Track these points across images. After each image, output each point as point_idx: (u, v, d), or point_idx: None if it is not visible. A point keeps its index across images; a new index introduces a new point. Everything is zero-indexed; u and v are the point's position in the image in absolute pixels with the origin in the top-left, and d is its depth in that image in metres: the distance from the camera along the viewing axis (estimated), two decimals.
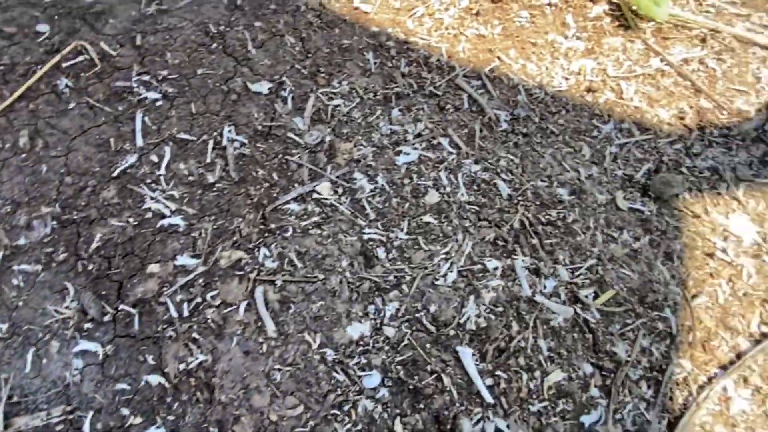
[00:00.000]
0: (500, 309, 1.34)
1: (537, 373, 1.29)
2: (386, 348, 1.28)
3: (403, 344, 1.28)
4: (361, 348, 1.27)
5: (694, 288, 1.45)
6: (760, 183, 1.66)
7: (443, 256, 1.39)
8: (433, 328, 1.29)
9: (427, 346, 1.27)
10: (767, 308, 1.42)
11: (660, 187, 1.57)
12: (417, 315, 1.31)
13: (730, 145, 1.74)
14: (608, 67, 1.87)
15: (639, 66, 1.90)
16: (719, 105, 1.81)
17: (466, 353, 1.24)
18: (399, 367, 1.26)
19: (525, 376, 1.27)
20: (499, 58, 1.87)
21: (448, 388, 1.22)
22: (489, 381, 1.24)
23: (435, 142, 1.63)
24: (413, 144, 1.62)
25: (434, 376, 1.24)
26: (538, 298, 1.38)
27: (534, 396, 1.26)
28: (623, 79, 1.85)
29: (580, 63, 1.87)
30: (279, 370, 1.21)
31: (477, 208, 1.51)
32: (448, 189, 1.53)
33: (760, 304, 1.44)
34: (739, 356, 1.36)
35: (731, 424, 1.31)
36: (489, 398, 1.22)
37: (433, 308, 1.31)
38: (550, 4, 2.05)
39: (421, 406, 1.21)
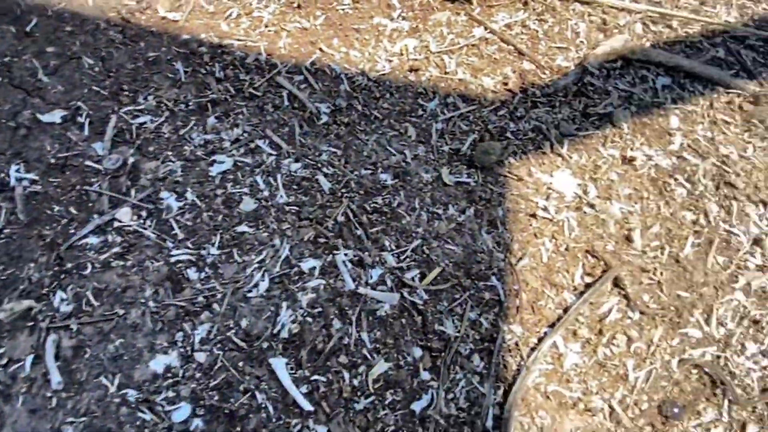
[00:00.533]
0: (318, 310, 1.28)
1: (361, 369, 1.25)
2: (197, 375, 1.20)
3: (216, 368, 1.21)
4: (169, 381, 1.18)
5: (519, 251, 1.45)
6: (582, 136, 1.69)
7: (257, 265, 1.33)
8: (245, 345, 1.22)
9: (240, 364, 1.20)
10: (589, 259, 1.45)
11: (481, 157, 1.57)
12: (228, 334, 1.24)
13: (554, 103, 1.77)
14: (431, 44, 1.86)
15: (462, 38, 1.90)
16: (541, 65, 1.83)
17: (279, 364, 1.18)
18: (213, 393, 1.18)
19: (347, 375, 1.23)
20: (321, 49, 1.82)
21: (263, 405, 1.16)
22: (305, 388, 1.19)
23: (253, 145, 1.56)
24: (229, 151, 1.54)
25: (248, 395, 1.17)
26: (362, 289, 1.34)
27: (359, 393, 1.23)
28: (446, 54, 1.85)
29: (402, 43, 1.85)
30: (72, 423, 1.11)
31: (297, 208, 1.45)
32: (266, 193, 1.47)
33: (582, 256, 1.46)
34: (565, 311, 1.39)
35: (566, 380, 1.32)
36: (307, 406, 1.16)
37: (244, 323, 1.24)
38: None
39: (238, 429, 1.15)
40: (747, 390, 1.31)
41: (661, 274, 1.42)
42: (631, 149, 1.64)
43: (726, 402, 1.29)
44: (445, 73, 1.80)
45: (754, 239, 1.51)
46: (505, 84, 1.78)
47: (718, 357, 1.33)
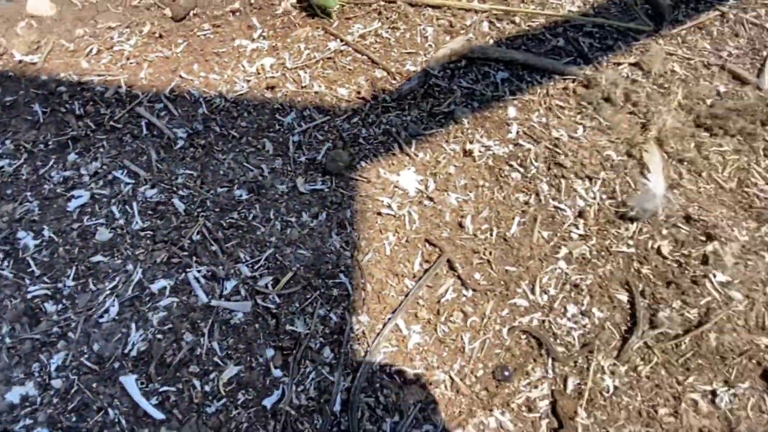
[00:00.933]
0: (169, 326, 1.38)
1: (212, 375, 1.36)
2: (55, 401, 1.27)
3: (72, 391, 1.29)
4: (26, 409, 1.26)
5: (366, 247, 1.58)
6: (428, 135, 1.83)
7: (109, 291, 1.41)
8: (97, 367, 1.31)
9: (94, 385, 1.29)
10: (427, 247, 1.60)
11: (330, 164, 1.69)
12: (82, 359, 1.32)
13: (403, 106, 1.90)
14: (287, 61, 1.96)
15: (318, 52, 2.02)
16: (391, 72, 1.96)
17: (129, 381, 1.27)
18: (69, 415, 1.26)
19: (198, 382, 1.33)
20: (180, 76, 1.90)
21: (116, 420, 1.25)
22: (156, 399, 1.28)
23: (111, 177, 1.63)
24: (88, 185, 1.61)
25: (102, 412, 1.26)
26: (214, 302, 1.44)
27: (210, 398, 1.33)
28: (302, 69, 1.96)
29: (260, 63, 1.95)
30: None
31: (152, 233, 1.54)
32: (122, 221, 1.55)
33: (422, 245, 1.61)
34: (407, 297, 1.52)
35: (409, 359, 1.46)
36: (158, 415, 1.26)
37: (96, 347, 1.33)
38: (233, 12, 2.12)
39: None
40: (568, 347, 1.47)
41: (491, 253, 1.57)
42: (471, 142, 1.79)
43: (550, 360, 1.45)
44: (302, 87, 1.90)
45: (579, 212, 1.69)
46: (359, 93, 1.90)
47: (543, 321, 1.50)
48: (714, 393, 1.40)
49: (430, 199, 1.66)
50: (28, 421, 1.23)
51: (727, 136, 1.93)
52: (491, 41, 2.09)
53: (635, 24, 2.21)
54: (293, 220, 1.60)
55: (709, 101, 2.01)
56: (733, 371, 1.43)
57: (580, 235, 1.64)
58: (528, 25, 2.18)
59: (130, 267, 1.46)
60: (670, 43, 2.16)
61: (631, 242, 1.63)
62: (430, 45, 2.05)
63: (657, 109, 1.93)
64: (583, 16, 2.26)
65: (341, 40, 2.04)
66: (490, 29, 2.15)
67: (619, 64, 2.09)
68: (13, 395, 1.24)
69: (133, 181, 1.63)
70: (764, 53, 2.17)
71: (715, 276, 1.55)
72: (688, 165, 1.83)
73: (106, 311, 1.38)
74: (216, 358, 1.36)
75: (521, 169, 1.76)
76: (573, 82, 2.00)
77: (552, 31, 2.19)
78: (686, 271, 1.57)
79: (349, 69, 1.98)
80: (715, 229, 1.62)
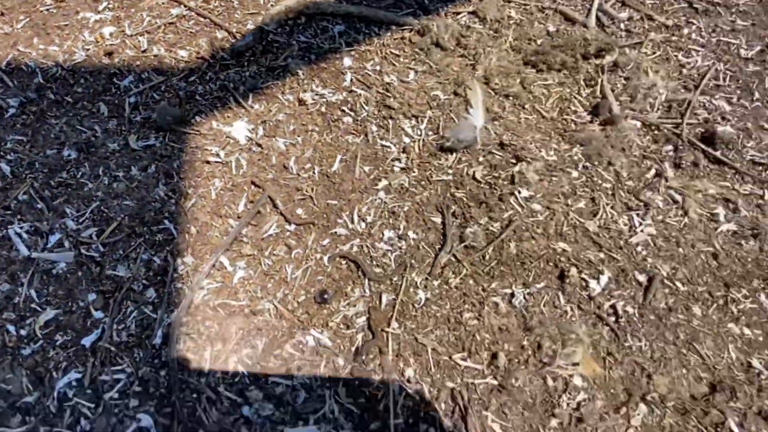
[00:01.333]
0: None
1: (29, 320, 1.41)
2: None
3: None
4: None
5: (192, 194, 1.64)
6: (264, 88, 1.90)
7: None
8: None
9: None
10: (253, 189, 1.68)
11: (160, 120, 1.75)
12: None
13: (243, 63, 1.97)
14: (127, 28, 2.01)
15: (160, 19, 2.06)
16: (232, 32, 2.03)
17: None
18: None
19: (13, 327, 1.38)
20: (18, 49, 1.92)
21: None
22: None
23: None
24: None
25: None
26: (35, 254, 1.49)
27: (26, 341, 1.38)
28: (142, 35, 2.01)
29: (100, 31, 1.99)
30: None
31: None
32: None
33: (247, 188, 1.68)
34: (230, 235, 1.60)
35: (234, 293, 1.54)
36: None
37: None
38: None
39: None
40: (385, 268, 1.57)
41: (313, 189, 1.66)
42: (305, 91, 1.88)
43: (367, 281, 1.55)
44: (141, 52, 1.95)
45: (403, 148, 1.79)
46: (198, 54, 1.96)
47: (361, 247, 1.60)
48: (512, 295, 1.53)
49: (259, 145, 1.74)
50: None
51: (552, 71, 2.06)
52: None
53: None
54: (121, 174, 1.65)
55: (539, 41, 2.15)
56: (531, 274, 1.56)
57: (401, 168, 1.75)
58: None
59: None
60: None
61: (450, 171, 1.75)
62: (271, 4, 2.12)
63: (486, 51, 2.05)
64: None
65: (184, 6, 2.09)
66: None
67: (458, 13, 2.20)
68: None
69: None
70: None
71: (520, 192, 1.68)
72: (513, 99, 1.96)
73: None
74: (33, 305, 1.41)
75: (352, 113, 1.85)
76: (410, 31, 2.11)
77: None
78: (495, 191, 1.69)
79: (191, 32, 2.03)
80: (523, 151, 1.74)
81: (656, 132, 1.88)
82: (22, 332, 1.36)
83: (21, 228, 1.50)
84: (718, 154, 1.82)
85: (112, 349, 1.40)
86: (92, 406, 1.32)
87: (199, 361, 1.41)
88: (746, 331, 1.50)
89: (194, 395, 1.38)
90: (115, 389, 1.36)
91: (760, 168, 1.80)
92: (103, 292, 1.45)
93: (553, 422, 1.36)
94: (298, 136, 1.77)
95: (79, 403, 1.32)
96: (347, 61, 1.96)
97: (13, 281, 1.43)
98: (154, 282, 1.50)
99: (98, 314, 1.43)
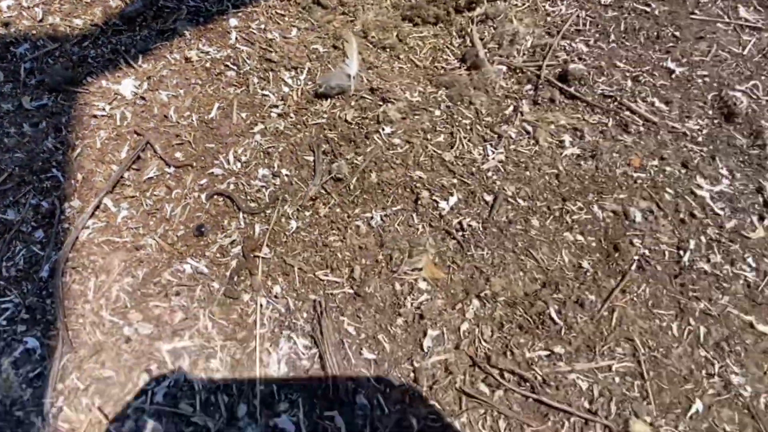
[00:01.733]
0: None
1: None
2: None
3: None
4: None
5: (79, 145, 1.78)
6: (154, 49, 2.03)
7: None
8: None
9: None
10: (135, 137, 1.81)
11: (52, 81, 1.87)
12: None
13: (135, 28, 2.10)
14: (23, 1, 2.12)
15: None
16: (126, 1, 2.16)
17: None
18: None
19: None
20: None
21: None
22: None
23: None
24: None
25: None
26: None
27: None
28: (38, 6, 2.12)
29: None
30: None
31: None
32: None
33: (130, 137, 1.82)
34: (112, 179, 1.74)
35: (117, 231, 1.67)
36: None
37: None
38: None
39: None
40: (259, 202, 1.72)
41: (192, 135, 1.80)
42: (191, 50, 2.01)
43: (242, 215, 1.70)
44: (38, 21, 2.06)
45: (282, 96, 1.94)
46: (92, 21, 2.08)
47: (237, 184, 1.74)
48: (372, 218, 1.69)
49: (143, 98, 1.87)
50: None
51: (428, 24, 2.22)
52: None
53: None
54: (13, 131, 1.78)
55: None
56: (389, 200, 1.72)
57: (278, 114, 1.90)
58: None
59: None
60: None
61: (324, 115, 1.90)
62: None
63: (365, 7, 2.20)
64: None
65: None
66: None
67: None
68: None
69: None
70: None
71: (383, 130, 1.84)
72: (389, 50, 2.11)
73: None
74: None
75: (235, 68, 1.99)
76: None
77: None
78: (362, 130, 1.85)
79: (86, 2, 2.14)
80: (389, 94, 1.90)
81: (520, 74, 2.05)
82: None
83: None
84: (572, 90, 2.00)
85: (1, 283, 1.53)
86: None
87: (83, 291, 1.55)
88: (579, 238, 1.68)
89: (79, 320, 1.52)
90: (3, 317, 1.50)
91: (609, 100, 1.99)
92: None
93: (399, 321, 1.53)
94: (181, 89, 1.91)
95: None
96: (233, 22, 2.09)
97: None
98: (43, 224, 1.63)
99: None
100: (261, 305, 1.55)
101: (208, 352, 1.47)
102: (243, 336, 1.50)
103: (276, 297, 1.56)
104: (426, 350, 1.47)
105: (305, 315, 1.54)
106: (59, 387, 1.40)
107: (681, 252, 1.64)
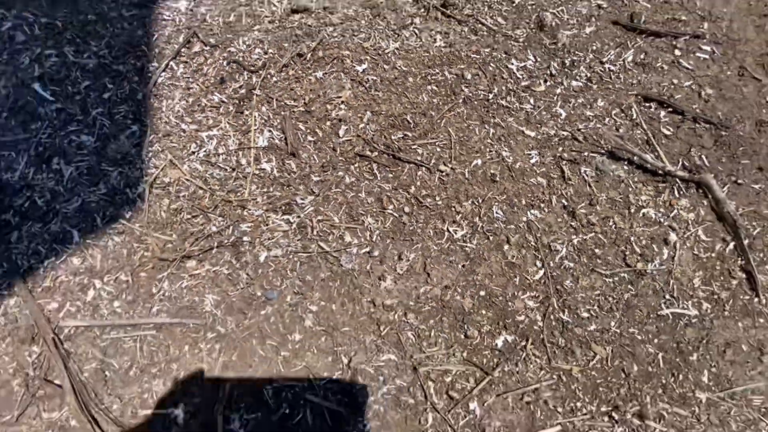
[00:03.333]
0: None
1: None
2: None
3: None
4: None
5: (156, 34, 3.03)
6: None
7: None
8: None
9: None
10: (186, 31, 3.05)
11: (137, 1, 3.12)
12: None
13: None
14: None
15: None
16: None
17: None
18: None
19: None
20: None
21: None
22: None
23: None
24: None
25: None
26: None
27: None
28: None
29: None
30: None
31: None
32: None
33: (184, 30, 3.06)
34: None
35: (178, 79, 2.91)
36: None
37: None
38: None
39: None
40: (255, 66, 2.95)
41: (219, 29, 3.04)
42: None
43: (245, 72, 2.92)
44: None
45: (272, 11, 3.15)
46: None
47: (243, 56, 2.97)
48: (318, 75, 2.91)
49: (191, 10, 3.11)
50: None
51: None
52: None
53: None
54: (119, 26, 3.03)
55: None
56: (329, 66, 2.94)
57: (269, 21, 3.12)
58: None
59: None
60: None
61: (295, 22, 3.12)
62: None
63: None
64: None
65: None
66: None
67: None
68: None
69: None
70: None
71: (328, 29, 3.05)
72: None
73: None
74: None
75: None
76: None
77: None
78: (317, 29, 3.07)
79: None
80: (334, 10, 3.11)
81: (419, 3, 3.24)
82: None
83: None
84: (448, 11, 3.19)
85: (118, 100, 2.78)
86: None
87: (160, 106, 2.81)
88: (435, 87, 2.88)
89: (157, 119, 2.76)
90: (119, 116, 2.75)
91: (470, 18, 3.17)
92: None
93: (327, 123, 2.75)
94: (213, 6, 3.15)
95: None
96: None
97: None
98: (137, 73, 2.88)
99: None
100: (254, 116, 2.78)
101: (226, 137, 2.70)
102: (245, 130, 2.74)
103: (263, 112, 2.80)
104: (341, 136, 2.70)
105: (278, 120, 2.77)
106: (149, 149, 2.65)
107: (490, 95, 2.84)
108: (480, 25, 3.12)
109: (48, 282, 2.35)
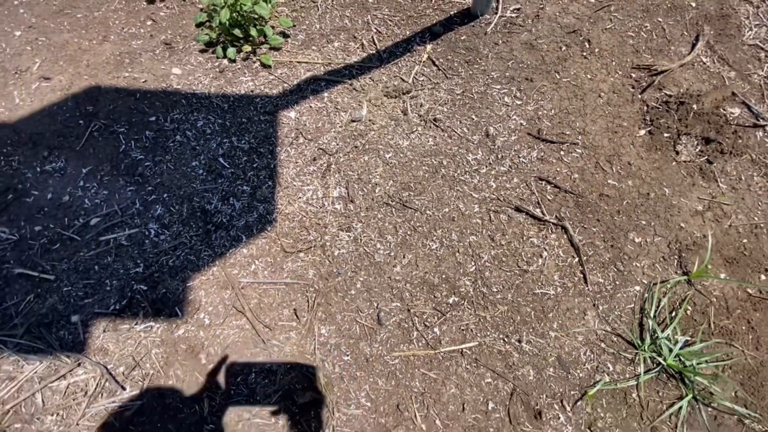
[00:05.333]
0: None
1: None
2: None
3: None
4: None
5: None
6: None
7: None
8: None
9: None
10: None
11: None
12: None
13: None
14: None
15: None
16: None
17: None
18: None
19: None
20: None
21: None
22: None
23: None
24: None
25: None
26: None
27: None
28: None
29: None
30: None
31: None
32: None
33: None
34: None
35: (296, 160, 5.33)
36: None
37: None
38: None
39: None
40: None
41: None
42: None
43: None
44: None
45: None
46: None
47: None
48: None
49: None
50: None
51: None
52: None
53: None
54: None
55: None
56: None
57: None
58: None
59: None
60: None
61: None
62: None
63: None
64: None
65: None
66: None
67: None
68: None
69: None
70: None
71: None
72: None
73: None
74: None
75: None
76: None
77: None
78: None
79: None
80: None
81: (424, 119, 5.64)
82: None
83: None
84: (437, 124, 5.57)
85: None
86: None
87: None
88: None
89: None
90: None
91: (449, 128, 5.54)
92: None
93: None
94: None
95: None
96: None
97: None
98: None
99: None
100: (331, 179, 5.17)
101: (317, 190, 5.09)
102: (326, 186, 5.12)
103: (336, 178, 5.18)
104: (376, 192, 5.07)
105: (344, 182, 5.16)
106: (278, 194, 5.04)
107: (455, 173, 5.21)
108: (453, 133, 5.49)
109: (231, 260, 4.74)
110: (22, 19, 5.99)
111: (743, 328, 4.37)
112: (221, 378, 3.88)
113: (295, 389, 3.95)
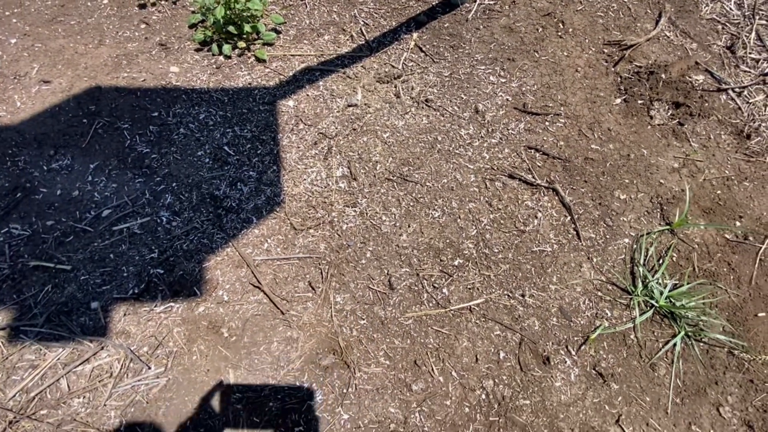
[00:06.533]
0: None
1: None
2: None
3: None
4: None
5: None
6: None
7: None
8: None
9: None
10: None
11: None
12: None
13: None
14: None
15: None
16: None
17: None
18: None
19: None
20: None
21: None
22: None
23: None
24: None
25: None
26: None
27: None
28: None
29: None
30: None
31: None
32: None
33: None
34: None
35: (297, 145, 5.56)
36: None
37: None
38: None
39: None
40: None
41: None
42: None
43: None
44: None
45: None
46: None
47: None
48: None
49: None
50: None
51: None
52: None
53: None
54: None
55: None
56: None
57: None
58: None
59: None
60: None
61: None
62: None
63: None
64: None
65: None
66: None
67: None
68: None
69: None
70: None
71: None
72: None
73: None
74: None
75: None
76: None
77: None
78: None
79: None
80: None
81: (416, 101, 5.96)
82: None
83: None
84: (429, 104, 5.90)
85: None
86: None
87: None
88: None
89: None
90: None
91: (441, 108, 5.88)
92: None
93: None
94: None
95: None
96: None
97: None
98: None
99: None
100: (333, 160, 5.42)
101: (320, 171, 5.33)
102: (329, 167, 5.36)
103: (337, 159, 5.44)
104: (377, 170, 5.34)
105: (345, 162, 5.40)
106: (283, 178, 5.25)
107: (450, 147, 5.53)
108: (445, 111, 5.82)
109: (244, 241, 4.91)
110: (15, 28, 6.11)
111: (725, 269, 4.79)
112: (243, 349, 4.06)
113: (317, 353, 4.16)
